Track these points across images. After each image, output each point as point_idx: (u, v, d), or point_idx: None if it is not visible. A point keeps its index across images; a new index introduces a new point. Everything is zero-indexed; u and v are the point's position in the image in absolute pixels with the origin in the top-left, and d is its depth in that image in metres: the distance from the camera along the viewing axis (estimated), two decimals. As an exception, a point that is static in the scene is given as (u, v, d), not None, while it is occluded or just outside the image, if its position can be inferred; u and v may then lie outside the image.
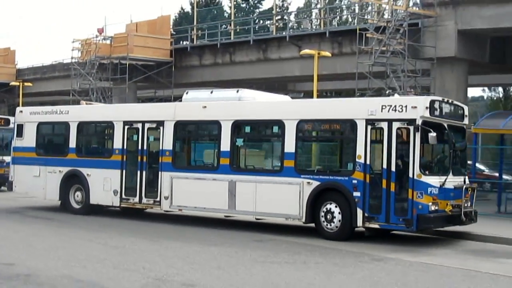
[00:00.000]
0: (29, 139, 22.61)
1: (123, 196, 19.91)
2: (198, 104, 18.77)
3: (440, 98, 16.75)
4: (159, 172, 19.14)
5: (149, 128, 19.70)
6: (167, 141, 19.07)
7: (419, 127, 14.89)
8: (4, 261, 12.70)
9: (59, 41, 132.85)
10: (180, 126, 19.29)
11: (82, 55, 42.60)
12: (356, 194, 15.62)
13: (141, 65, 42.01)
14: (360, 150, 15.74)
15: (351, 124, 16.19)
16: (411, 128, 15.08)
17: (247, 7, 70.38)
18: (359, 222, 15.69)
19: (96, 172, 20.49)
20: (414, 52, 29.56)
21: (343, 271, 12.75)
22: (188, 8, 68.64)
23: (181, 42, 45.67)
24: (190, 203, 18.56)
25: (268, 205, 17.08)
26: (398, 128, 15.41)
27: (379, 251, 14.95)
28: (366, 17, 37.70)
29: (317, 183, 16.35)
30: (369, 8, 38.36)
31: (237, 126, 18.08)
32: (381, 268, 13.12)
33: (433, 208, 15.00)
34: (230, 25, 45.81)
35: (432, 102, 15.59)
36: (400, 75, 28.93)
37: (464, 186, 16.04)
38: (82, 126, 21.58)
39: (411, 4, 30.78)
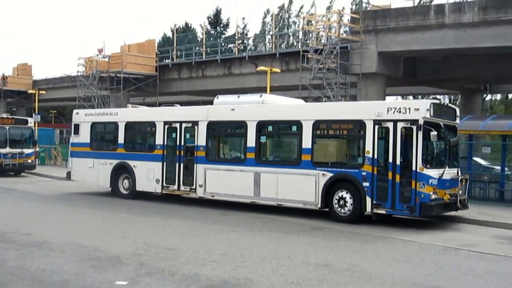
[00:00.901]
0: (84, 136, 21.42)
1: (164, 184, 18.81)
2: (227, 107, 17.77)
3: (438, 101, 15.51)
4: (194, 164, 18.04)
5: (185, 127, 18.56)
6: (201, 138, 17.99)
7: (422, 127, 13.91)
8: (24, 231, 12.57)
9: (67, 55, 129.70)
10: (212, 126, 18.06)
11: (85, 69, 42.43)
12: (365, 184, 14.59)
13: (133, 78, 41.86)
14: (368, 146, 14.70)
15: (361, 124, 15.02)
16: (414, 127, 14.03)
17: (215, 33, 70.22)
18: (368, 208, 14.65)
19: (141, 164, 19.44)
20: (344, 69, 29.76)
21: (289, 236, 12.85)
22: (169, 34, 68.19)
23: (164, 60, 45.35)
24: (221, 191, 17.51)
25: (288, 193, 15.99)
26: (402, 128, 14.28)
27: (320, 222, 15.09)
28: (307, 42, 37.81)
29: (331, 174, 15.25)
30: (310, 34, 38.45)
31: (261, 125, 16.94)
32: (319, 235, 13.26)
33: (433, 196, 13.98)
34: (202, 47, 45.71)
35: (432, 105, 14.45)
36: (333, 87, 29.10)
37: (460, 178, 15.27)
38: (129, 125, 20.37)
39: (342, 31, 30.97)
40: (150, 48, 43.62)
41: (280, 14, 69.44)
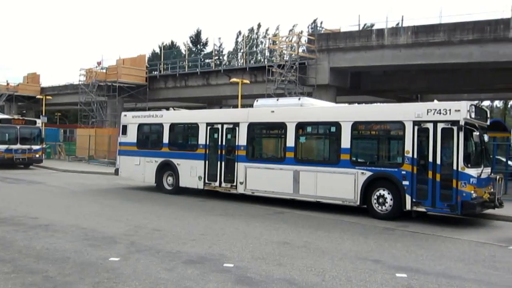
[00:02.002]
0: (131, 136, 19.47)
1: (206, 181, 17.00)
2: (267, 109, 16.06)
3: (475, 103, 13.96)
4: (235, 163, 16.20)
5: (227, 128, 16.71)
6: (242, 138, 16.16)
7: (463, 127, 12.18)
8: (31, 216, 12.25)
9: (70, 66, 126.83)
10: (252, 126, 16.21)
11: (86, 79, 42.12)
12: (405, 182, 12.79)
13: (126, 86, 41.48)
14: (408, 146, 12.88)
15: (400, 125, 13.18)
16: (455, 128, 12.24)
17: (196, 50, 69.83)
18: (408, 206, 12.83)
19: (184, 162, 17.61)
20: (302, 81, 29.90)
21: (256, 219, 12.78)
22: (157, 50, 67.54)
23: (152, 72, 44.95)
24: (261, 187, 15.66)
25: (327, 191, 14.19)
26: (443, 128, 12.42)
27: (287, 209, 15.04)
28: (272, 58, 37.88)
29: (370, 173, 13.43)
30: (275, 52, 38.50)
31: (300, 126, 15.09)
32: (280, 219, 13.21)
33: (474, 195, 12.20)
34: (185, 62, 45.42)
35: (471, 106, 12.57)
36: (293, 95, 29.21)
37: (497, 176, 13.35)
38: (173, 126, 18.47)
39: (300, 50, 31.08)
40: (141, 62, 43.41)
41: (250, 35, 69.48)
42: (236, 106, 27.31)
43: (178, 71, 41.51)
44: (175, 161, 17.98)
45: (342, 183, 13.92)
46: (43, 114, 43.31)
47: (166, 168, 18.34)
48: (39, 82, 55.86)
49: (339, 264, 8.18)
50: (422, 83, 32.01)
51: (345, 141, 14.04)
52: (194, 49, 69.64)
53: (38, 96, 48.15)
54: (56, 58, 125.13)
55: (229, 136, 16.80)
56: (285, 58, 31.60)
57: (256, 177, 15.81)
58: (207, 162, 17.14)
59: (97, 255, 8.29)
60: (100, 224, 11.31)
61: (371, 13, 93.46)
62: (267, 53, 46.31)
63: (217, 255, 8.53)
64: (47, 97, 46.17)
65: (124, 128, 19.95)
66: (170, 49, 66.09)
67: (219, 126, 16.97)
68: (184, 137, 19.17)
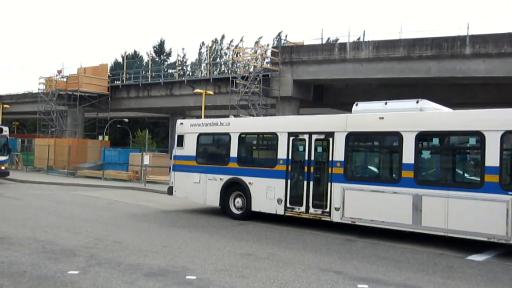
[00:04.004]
0: (189, 148, 16.25)
1: (288, 205, 13.76)
2: (374, 115, 12.50)
3: None
4: (329, 183, 12.90)
5: (316, 139, 13.47)
6: (337, 152, 12.81)
7: None
8: (-14, 228, 11.80)
9: (29, 74, 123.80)
10: (353, 137, 12.90)
11: (46, 87, 41.37)
12: None
13: (88, 96, 41.04)
14: None
15: None
16: None
17: (160, 60, 69.40)
18: None
19: (259, 180, 14.41)
20: (266, 92, 30.14)
21: (220, 231, 12.71)
22: (120, 59, 66.78)
23: (115, 82, 44.49)
24: (364, 216, 12.25)
25: (463, 223, 10.74)
26: None
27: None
28: (236, 70, 38.02)
29: None
30: (239, 64, 38.70)
31: (422, 137, 11.74)
32: (244, 230, 13.18)
33: None
34: (148, 72, 45.13)
35: None
36: (257, 107, 29.45)
37: None
38: (244, 137, 15.31)
39: (264, 62, 31.40)
40: (103, 71, 42.97)
41: (214, 46, 69.55)
42: (199, 117, 27.11)
43: (141, 81, 41.26)
44: (246, 179, 14.82)
45: (487, 214, 10.49)
46: (0, 123, 42.10)
47: (234, 188, 15.21)
48: (-4, 90, 54.43)
49: (302, 276, 8.22)
50: (383, 97, 32.31)
51: (492, 158, 10.55)
52: (157, 59, 69.20)
53: (-5, 105, 46.88)
54: (14, 66, 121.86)
55: (319, 149, 13.67)
56: (249, 70, 31.80)
57: (358, 203, 12.51)
58: (289, 181, 13.94)
59: (56, 269, 8.06)
60: (58, 236, 11.00)
61: (334, 27, 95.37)
62: (230, 65, 46.57)
63: (179, 267, 8.44)
64: (5, 105, 45.01)
65: (180, 138, 16.74)
66: (133, 59, 65.40)
67: (306, 137, 13.76)
68: (258, 150, 16.09)
